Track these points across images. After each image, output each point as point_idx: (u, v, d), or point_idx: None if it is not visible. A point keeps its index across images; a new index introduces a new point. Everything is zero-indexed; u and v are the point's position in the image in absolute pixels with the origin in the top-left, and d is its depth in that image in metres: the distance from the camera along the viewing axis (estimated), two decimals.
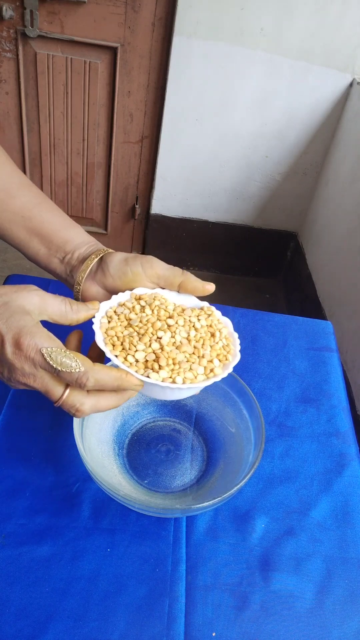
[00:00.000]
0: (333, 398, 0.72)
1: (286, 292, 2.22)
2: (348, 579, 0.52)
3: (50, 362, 0.39)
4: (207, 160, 1.91)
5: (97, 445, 0.56)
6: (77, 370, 0.40)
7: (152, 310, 0.47)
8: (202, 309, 0.51)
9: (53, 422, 0.61)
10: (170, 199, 2.02)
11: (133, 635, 0.45)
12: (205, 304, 0.51)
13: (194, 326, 0.48)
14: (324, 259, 1.86)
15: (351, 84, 1.72)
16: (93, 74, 1.71)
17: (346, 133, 1.75)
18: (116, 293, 0.50)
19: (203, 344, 0.46)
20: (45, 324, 0.44)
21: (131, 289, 0.50)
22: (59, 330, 0.45)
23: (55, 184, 1.99)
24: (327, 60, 1.66)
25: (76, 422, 0.51)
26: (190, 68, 1.67)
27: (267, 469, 0.61)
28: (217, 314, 0.51)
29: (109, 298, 0.50)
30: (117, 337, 0.45)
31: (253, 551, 0.53)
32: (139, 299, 0.49)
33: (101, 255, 0.51)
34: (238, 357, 0.48)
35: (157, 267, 0.49)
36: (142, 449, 0.59)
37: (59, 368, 0.40)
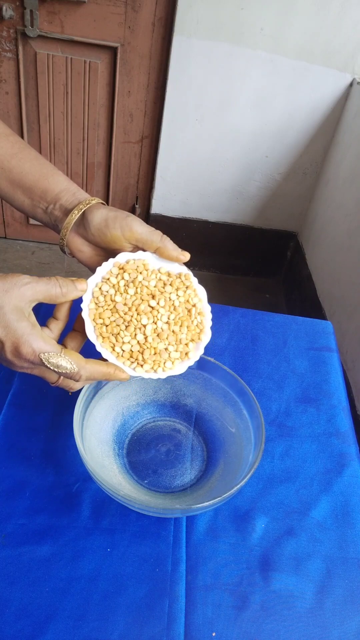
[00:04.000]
0: (333, 398, 0.72)
1: (286, 292, 2.22)
2: (348, 579, 0.52)
3: (47, 365, 0.44)
4: (207, 160, 1.91)
5: (97, 445, 0.56)
6: (71, 369, 0.45)
7: (136, 289, 0.50)
8: (180, 276, 0.52)
9: (53, 422, 0.61)
10: (170, 198, 2.02)
11: (133, 635, 0.45)
12: (184, 269, 0.53)
13: (173, 305, 0.51)
14: (324, 259, 1.86)
15: (351, 84, 1.72)
16: (93, 74, 1.71)
17: (346, 133, 1.75)
18: (98, 247, 0.52)
19: (181, 326, 0.51)
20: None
21: (112, 248, 0.51)
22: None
23: None
24: (327, 60, 1.66)
25: (76, 422, 0.51)
26: (190, 68, 1.67)
27: (267, 469, 0.61)
28: (194, 281, 0.53)
29: (93, 249, 0.53)
30: (105, 327, 0.50)
31: (253, 551, 0.53)
32: (122, 269, 0.50)
33: (82, 209, 0.51)
34: (209, 335, 0.53)
35: (136, 231, 0.50)
36: (142, 449, 0.59)
37: (55, 369, 0.44)
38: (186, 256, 0.52)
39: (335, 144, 1.83)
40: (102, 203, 0.53)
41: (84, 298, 0.49)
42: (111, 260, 0.50)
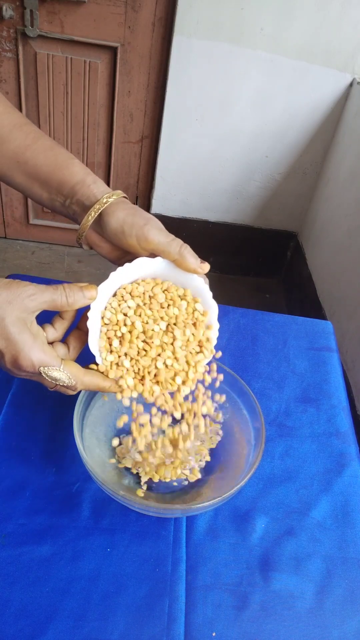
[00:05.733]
0: (333, 398, 0.72)
1: (286, 292, 2.22)
2: (348, 579, 0.52)
3: (46, 377, 0.44)
4: (207, 160, 1.91)
5: (97, 445, 0.56)
6: (69, 383, 0.45)
7: (147, 322, 0.49)
8: (193, 305, 0.51)
9: (53, 422, 0.61)
10: (170, 198, 2.02)
11: (133, 635, 0.45)
12: (201, 281, 0.51)
13: (187, 338, 0.50)
14: (324, 259, 1.86)
15: (351, 84, 1.72)
16: (93, 74, 1.71)
17: (346, 133, 1.75)
18: (115, 245, 0.51)
19: (187, 362, 0.51)
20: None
21: (129, 252, 0.50)
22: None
23: None
24: (327, 60, 1.66)
25: (76, 422, 0.51)
26: (190, 68, 1.67)
27: (267, 469, 0.61)
28: (208, 297, 0.51)
29: (111, 245, 0.51)
30: (120, 346, 0.49)
31: (253, 551, 0.53)
32: (131, 294, 0.49)
33: (99, 210, 0.48)
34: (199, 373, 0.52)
35: (152, 241, 0.48)
36: None
37: (53, 382, 0.45)
38: (205, 268, 0.49)
39: (335, 144, 1.83)
40: (124, 197, 0.50)
41: (92, 306, 0.47)
42: (127, 266, 0.48)
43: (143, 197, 2.05)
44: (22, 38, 1.62)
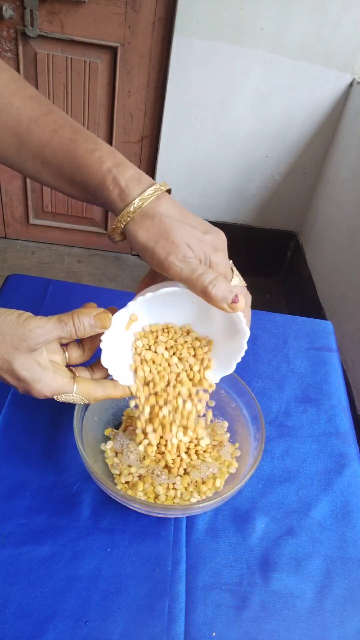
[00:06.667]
0: (333, 398, 0.72)
1: (286, 292, 2.22)
2: (348, 579, 0.52)
3: (58, 400, 0.45)
4: (207, 159, 1.91)
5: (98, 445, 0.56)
6: (82, 402, 0.47)
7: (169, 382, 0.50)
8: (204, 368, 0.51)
9: (53, 422, 0.61)
10: None
11: (133, 635, 0.45)
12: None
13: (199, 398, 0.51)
14: (324, 259, 1.86)
15: (351, 84, 1.72)
16: (93, 74, 1.71)
17: (346, 133, 1.75)
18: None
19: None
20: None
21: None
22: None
23: None
24: (327, 60, 1.66)
25: (76, 422, 0.51)
26: (190, 68, 1.67)
27: (267, 469, 0.61)
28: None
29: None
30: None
31: (253, 551, 0.53)
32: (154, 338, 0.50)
33: (125, 223, 0.43)
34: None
35: (174, 277, 0.43)
36: None
37: (65, 403, 0.46)
38: (237, 308, 0.42)
39: (335, 144, 1.83)
40: (166, 191, 0.44)
41: (105, 335, 0.46)
42: (148, 296, 0.44)
43: None
44: (22, 38, 1.62)
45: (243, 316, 0.45)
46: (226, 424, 0.59)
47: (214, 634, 0.46)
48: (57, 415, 0.61)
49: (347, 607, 0.50)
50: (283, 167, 1.93)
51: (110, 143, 1.89)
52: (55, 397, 0.45)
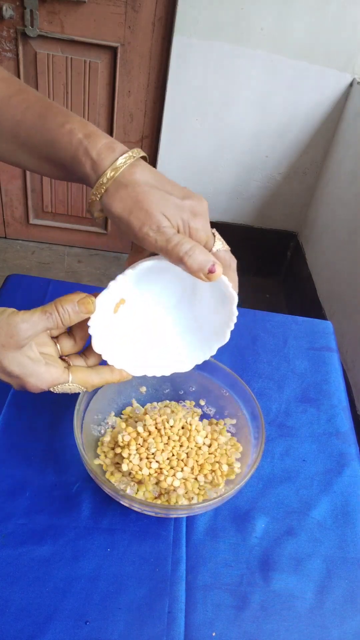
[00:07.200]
0: (333, 398, 0.72)
1: (286, 292, 2.22)
2: (348, 579, 0.52)
3: (54, 392, 0.45)
4: (207, 160, 1.91)
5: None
6: (80, 390, 0.47)
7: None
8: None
9: (53, 422, 0.61)
10: None
11: (133, 635, 0.45)
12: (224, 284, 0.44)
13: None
14: (324, 259, 1.86)
15: (351, 84, 1.71)
16: (93, 74, 1.71)
17: (346, 133, 1.75)
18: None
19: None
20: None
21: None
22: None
23: (55, 183, 1.98)
24: (327, 60, 1.66)
25: (76, 421, 0.51)
26: (190, 68, 1.67)
27: (267, 469, 0.61)
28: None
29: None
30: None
31: (253, 551, 0.53)
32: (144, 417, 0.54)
33: (99, 196, 0.41)
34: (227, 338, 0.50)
35: (149, 248, 0.42)
36: None
37: (64, 394, 0.46)
38: (212, 277, 0.41)
39: (335, 144, 1.83)
40: (145, 158, 0.42)
41: (91, 319, 0.45)
42: (128, 272, 0.44)
43: None
44: (22, 38, 1.62)
45: (228, 281, 0.44)
46: (231, 421, 0.59)
47: (214, 634, 0.46)
48: (57, 415, 0.61)
49: (347, 607, 0.50)
50: (283, 167, 1.93)
51: None
52: (52, 389, 0.44)
